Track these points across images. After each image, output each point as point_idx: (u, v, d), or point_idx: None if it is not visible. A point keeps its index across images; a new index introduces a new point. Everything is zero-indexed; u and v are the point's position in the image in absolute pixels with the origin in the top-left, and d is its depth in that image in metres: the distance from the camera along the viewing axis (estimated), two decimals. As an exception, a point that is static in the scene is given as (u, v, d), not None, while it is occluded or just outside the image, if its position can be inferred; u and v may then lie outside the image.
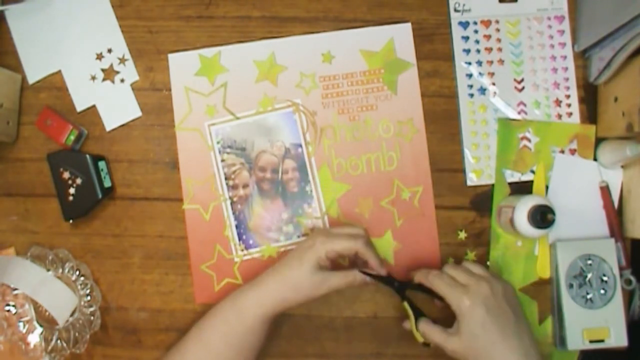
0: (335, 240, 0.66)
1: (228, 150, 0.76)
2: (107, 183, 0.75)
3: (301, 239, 0.75)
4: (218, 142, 0.76)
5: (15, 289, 0.72)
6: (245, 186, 0.76)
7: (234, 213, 0.75)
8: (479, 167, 0.75)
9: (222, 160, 0.76)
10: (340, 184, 0.75)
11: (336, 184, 0.75)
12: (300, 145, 0.76)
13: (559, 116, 0.76)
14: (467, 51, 0.77)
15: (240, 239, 0.75)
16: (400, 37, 0.76)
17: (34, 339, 0.72)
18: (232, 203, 0.75)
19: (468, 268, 0.67)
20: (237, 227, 0.75)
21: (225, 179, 0.76)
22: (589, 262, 0.71)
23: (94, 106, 0.77)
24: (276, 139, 0.76)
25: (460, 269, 0.67)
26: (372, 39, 0.76)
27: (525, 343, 0.62)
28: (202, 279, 0.75)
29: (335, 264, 0.71)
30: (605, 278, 0.71)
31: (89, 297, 0.73)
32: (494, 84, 0.76)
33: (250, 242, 0.75)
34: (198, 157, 0.76)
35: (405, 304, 0.69)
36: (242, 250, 0.75)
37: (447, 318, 0.66)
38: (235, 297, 0.67)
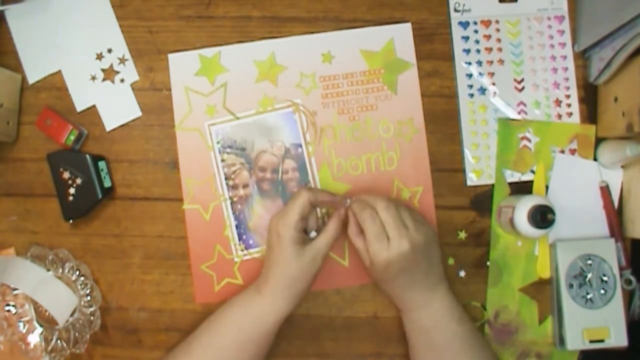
0: (288, 213, 0.66)
1: (228, 150, 0.76)
2: (107, 183, 0.75)
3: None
4: (218, 142, 0.76)
5: (15, 289, 0.72)
6: (245, 186, 0.76)
7: (234, 213, 0.75)
8: (479, 167, 0.75)
9: (222, 160, 0.76)
10: (341, 184, 0.75)
11: (336, 184, 0.75)
12: (300, 145, 0.76)
13: (559, 116, 0.76)
14: (467, 51, 0.77)
15: (240, 239, 0.75)
16: (400, 37, 0.76)
17: (34, 339, 0.72)
18: (232, 203, 0.75)
19: (400, 213, 0.65)
20: (237, 227, 0.75)
21: (226, 179, 0.76)
22: (589, 262, 0.71)
23: (94, 106, 0.77)
24: (276, 139, 0.76)
25: (392, 215, 0.64)
26: (372, 39, 0.76)
27: (431, 277, 0.67)
28: (202, 279, 0.75)
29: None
30: (605, 278, 0.71)
31: (89, 297, 0.73)
32: (494, 84, 0.76)
33: (251, 242, 0.75)
34: (198, 157, 0.76)
35: None
36: (242, 250, 0.75)
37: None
38: (246, 305, 0.67)
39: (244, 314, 0.67)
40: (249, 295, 0.68)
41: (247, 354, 0.66)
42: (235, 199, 0.75)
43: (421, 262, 0.66)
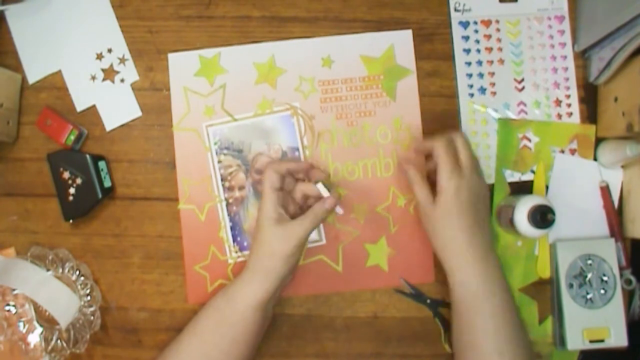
0: (264, 191, 0.67)
1: (225, 151, 0.76)
2: (107, 183, 0.75)
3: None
4: (215, 143, 0.76)
5: (15, 289, 0.72)
6: (241, 188, 0.76)
7: (229, 214, 0.75)
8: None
9: (219, 162, 0.76)
10: (336, 189, 0.75)
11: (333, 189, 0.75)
12: (298, 149, 0.76)
13: (559, 116, 0.76)
14: (467, 51, 0.77)
15: (234, 240, 0.75)
16: (400, 43, 0.76)
17: (34, 339, 0.72)
18: (227, 204, 0.75)
19: (471, 148, 0.69)
20: (232, 228, 0.75)
21: (222, 180, 0.76)
22: (589, 262, 0.71)
23: (94, 106, 0.77)
24: (273, 142, 0.76)
25: (467, 146, 0.68)
26: (372, 44, 0.76)
27: (486, 240, 0.67)
28: (195, 280, 0.75)
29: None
30: (605, 278, 0.71)
31: (89, 297, 0.73)
32: (494, 83, 0.76)
33: (245, 244, 0.75)
34: (195, 157, 0.76)
35: (437, 320, 0.74)
36: (237, 252, 0.75)
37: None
38: (226, 289, 0.68)
39: (222, 296, 0.67)
40: (232, 281, 0.69)
41: (223, 337, 0.66)
42: (230, 201, 0.75)
43: (482, 208, 0.68)
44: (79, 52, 0.77)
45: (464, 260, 0.66)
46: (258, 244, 0.67)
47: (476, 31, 0.77)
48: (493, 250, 0.68)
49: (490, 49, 0.77)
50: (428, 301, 0.74)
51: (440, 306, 0.74)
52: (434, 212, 0.67)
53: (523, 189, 0.75)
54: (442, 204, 0.66)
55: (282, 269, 0.66)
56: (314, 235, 0.75)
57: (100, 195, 0.73)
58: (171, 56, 0.77)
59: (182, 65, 0.76)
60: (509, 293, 0.67)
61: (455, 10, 0.77)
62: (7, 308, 0.73)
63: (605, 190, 0.74)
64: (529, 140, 0.76)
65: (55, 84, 0.77)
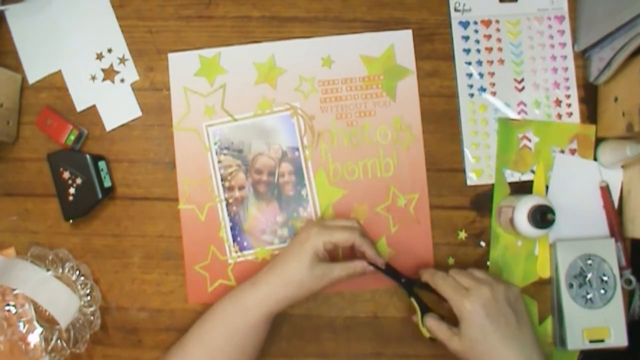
0: (331, 232, 0.66)
1: (225, 151, 0.76)
2: (107, 183, 0.75)
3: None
4: (215, 143, 0.76)
5: (15, 289, 0.72)
6: (241, 188, 0.76)
7: (229, 214, 0.75)
8: (479, 167, 0.75)
9: (219, 162, 0.76)
10: (336, 188, 0.75)
11: (332, 189, 0.75)
12: (298, 149, 0.76)
13: (559, 116, 0.76)
14: (467, 51, 0.77)
15: (234, 240, 0.75)
16: (400, 43, 0.76)
17: (34, 339, 0.72)
18: (227, 204, 0.75)
19: (472, 273, 0.68)
20: (232, 228, 0.75)
21: (222, 180, 0.76)
22: (589, 262, 0.71)
23: (94, 106, 0.77)
24: (273, 142, 0.76)
25: (464, 274, 0.67)
26: (372, 44, 0.76)
27: (526, 348, 0.62)
28: (195, 280, 0.75)
29: (332, 255, 0.71)
30: (605, 278, 0.71)
31: (89, 297, 0.73)
32: (494, 84, 0.76)
33: (245, 244, 0.75)
34: (195, 157, 0.76)
35: (412, 300, 0.70)
36: (237, 252, 0.75)
37: (454, 315, 0.66)
38: (236, 297, 0.67)
39: (233, 305, 0.67)
40: (242, 287, 0.68)
41: (234, 346, 0.66)
42: (230, 201, 0.75)
43: (509, 313, 0.63)
44: (79, 52, 0.77)
45: None
46: (288, 268, 0.66)
47: (476, 31, 0.77)
48: (538, 354, 0.63)
49: (490, 49, 0.77)
50: (403, 280, 0.71)
51: (415, 287, 0.70)
52: (463, 346, 0.63)
53: (523, 189, 0.75)
54: (466, 334, 0.63)
55: (301, 297, 0.66)
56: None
57: (100, 195, 0.73)
58: (171, 56, 0.77)
59: (182, 65, 0.76)
60: None
61: (455, 10, 0.77)
62: (7, 308, 0.73)
63: (605, 190, 0.74)
64: (529, 140, 0.76)
65: (55, 84, 0.77)
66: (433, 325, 0.67)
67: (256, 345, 0.67)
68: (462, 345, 0.63)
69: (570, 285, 0.71)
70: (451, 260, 0.75)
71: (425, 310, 0.69)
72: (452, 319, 0.66)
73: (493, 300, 0.63)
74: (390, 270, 0.70)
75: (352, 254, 0.72)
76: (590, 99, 0.76)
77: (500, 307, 0.63)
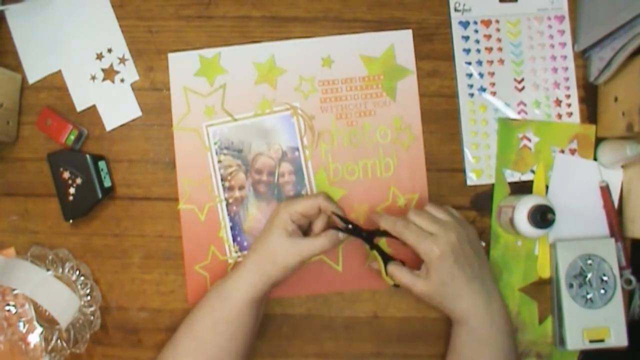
0: (296, 201, 0.68)
1: (225, 151, 0.76)
2: (107, 183, 0.75)
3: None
4: (215, 143, 0.76)
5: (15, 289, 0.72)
6: (241, 188, 0.76)
7: (229, 214, 0.75)
8: (479, 167, 0.75)
9: (219, 162, 0.76)
10: (336, 188, 0.75)
11: (332, 189, 0.75)
12: (298, 149, 0.76)
13: (559, 116, 0.76)
14: (467, 51, 0.77)
15: (234, 240, 0.75)
16: (400, 43, 0.76)
17: (34, 339, 0.72)
18: (227, 204, 0.75)
19: (432, 214, 0.68)
20: (232, 228, 0.75)
21: (222, 180, 0.76)
22: (589, 262, 0.71)
23: (94, 106, 0.77)
24: (273, 142, 0.76)
25: (426, 216, 0.67)
26: (372, 44, 0.76)
27: (487, 285, 0.67)
28: (195, 280, 0.75)
29: (305, 232, 0.71)
30: (605, 278, 0.71)
31: (89, 297, 0.73)
32: (494, 83, 0.76)
33: (245, 244, 0.75)
34: (195, 157, 0.76)
35: (374, 252, 0.70)
36: (237, 252, 0.75)
37: (414, 260, 0.68)
38: (218, 285, 0.68)
39: (216, 293, 0.67)
40: (225, 277, 0.68)
41: (221, 335, 0.66)
42: (230, 201, 0.75)
43: (472, 255, 0.66)
44: (79, 52, 0.77)
45: (470, 307, 0.66)
46: (261, 247, 0.67)
47: (476, 31, 0.77)
48: (495, 290, 0.68)
49: (490, 49, 0.77)
50: (364, 234, 0.70)
51: (377, 236, 0.70)
52: (428, 290, 0.65)
53: (523, 189, 0.75)
54: (432, 278, 0.65)
55: (278, 276, 0.66)
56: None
57: (100, 195, 0.73)
58: (171, 56, 0.77)
59: (182, 65, 0.76)
60: (511, 336, 0.68)
61: (455, 10, 0.77)
62: (7, 308, 0.73)
63: (605, 190, 0.74)
64: (529, 140, 0.76)
65: (55, 84, 0.77)
66: (396, 272, 0.67)
67: (245, 332, 0.67)
68: (427, 287, 0.65)
69: (570, 285, 0.71)
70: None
71: (387, 259, 0.70)
72: (412, 264, 0.68)
73: (458, 243, 0.65)
74: (353, 228, 0.70)
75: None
76: (590, 99, 0.76)
77: (465, 250, 0.66)
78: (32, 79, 0.77)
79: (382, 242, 0.75)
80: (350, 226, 0.70)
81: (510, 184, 0.75)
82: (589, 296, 0.71)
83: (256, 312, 0.67)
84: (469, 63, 0.77)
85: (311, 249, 0.66)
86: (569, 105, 0.76)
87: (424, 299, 0.67)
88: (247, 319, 0.66)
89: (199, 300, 0.74)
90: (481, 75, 0.76)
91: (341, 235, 0.68)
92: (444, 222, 0.67)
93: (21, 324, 0.73)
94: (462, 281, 0.65)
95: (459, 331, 0.68)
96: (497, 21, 0.77)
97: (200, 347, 0.66)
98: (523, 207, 0.68)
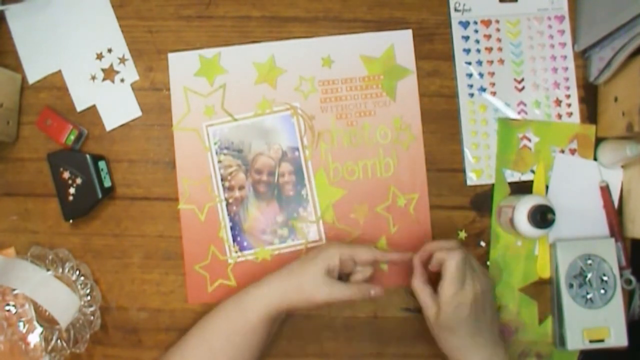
0: (349, 247, 0.67)
1: (225, 151, 0.76)
2: (107, 183, 0.75)
3: (295, 242, 0.75)
4: (215, 143, 0.76)
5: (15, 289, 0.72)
6: (241, 188, 0.76)
7: (229, 214, 0.75)
8: (479, 167, 0.75)
9: (219, 162, 0.76)
10: (336, 188, 0.75)
11: (332, 189, 0.75)
12: (298, 149, 0.76)
13: (559, 116, 0.76)
14: (467, 51, 0.77)
15: (234, 240, 0.75)
16: (400, 43, 0.76)
17: (34, 338, 0.72)
18: (227, 204, 0.75)
19: (469, 260, 0.66)
20: (232, 228, 0.75)
21: (222, 180, 0.76)
22: (589, 262, 0.71)
23: (94, 106, 0.77)
24: (273, 142, 0.76)
25: (465, 260, 0.65)
26: (372, 44, 0.76)
27: (494, 337, 0.66)
28: (195, 280, 0.75)
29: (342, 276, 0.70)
30: (605, 278, 0.71)
31: (89, 297, 0.73)
32: (494, 83, 0.76)
33: (245, 244, 0.75)
34: (195, 157, 0.76)
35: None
36: (237, 252, 0.75)
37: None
38: (238, 297, 0.67)
39: (234, 304, 0.67)
40: (245, 289, 0.68)
41: (232, 345, 0.66)
42: (230, 201, 0.75)
43: (487, 310, 0.65)
44: (79, 52, 0.77)
45: (473, 356, 0.65)
46: (295, 272, 0.66)
47: (476, 31, 0.77)
48: (500, 345, 0.66)
49: (490, 49, 0.77)
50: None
51: None
52: (436, 323, 0.65)
53: (523, 189, 0.75)
54: (443, 319, 0.64)
55: (299, 305, 0.66)
56: (314, 236, 0.75)
57: (100, 195, 0.73)
58: (171, 56, 0.77)
59: (182, 65, 0.76)
60: None
61: (455, 10, 0.77)
62: (7, 308, 0.73)
63: (605, 190, 0.74)
64: (529, 140, 0.76)
65: (55, 84, 0.77)
66: (419, 286, 0.66)
67: (257, 346, 0.67)
68: (438, 320, 0.64)
69: (570, 285, 0.71)
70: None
71: None
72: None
73: (481, 298, 0.64)
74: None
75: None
76: (590, 99, 0.76)
77: (482, 304, 0.65)
78: (32, 79, 0.77)
79: (382, 241, 0.75)
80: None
81: (510, 184, 0.75)
82: (589, 296, 0.71)
83: (269, 330, 0.67)
84: (469, 63, 0.77)
85: (342, 294, 0.65)
86: (569, 105, 0.76)
87: (431, 325, 0.66)
88: (260, 335, 0.66)
89: (199, 300, 0.74)
90: (481, 75, 0.76)
91: (373, 292, 0.67)
92: (475, 275, 0.65)
93: (21, 324, 0.73)
94: (469, 329, 0.64)
95: None
96: (497, 21, 0.77)
97: (210, 354, 0.66)
98: (523, 207, 0.68)
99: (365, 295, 0.67)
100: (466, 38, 0.77)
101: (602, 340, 0.70)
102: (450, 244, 0.66)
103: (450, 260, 0.64)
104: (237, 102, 0.76)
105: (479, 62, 0.76)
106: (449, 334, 0.65)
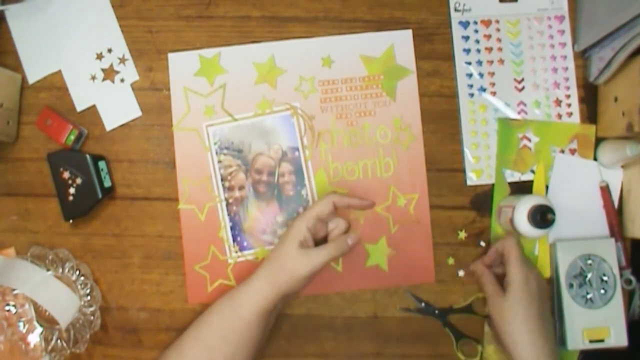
0: (308, 210, 0.67)
1: (225, 151, 0.76)
2: (107, 183, 0.75)
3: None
4: (215, 143, 0.76)
5: (15, 289, 0.72)
6: (241, 188, 0.76)
7: (229, 214, 0.75)
8: (479, 167, 0.75)
9: (219, 162, 0.76)
10: (336, 188, 0.75)
11: (332, 189, 0.75)
12: (298, 149, 0.76)
13: (559, 116, 0.76)
14: (467, 51, 0.77)
15: (234, 240, 0.75)
16: (400, 43, 0.76)
17: (34, 339, 0.72)
18: (227, 204, 0.75)
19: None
20: (232, 228, 0.75)
21: (222, 180, 0.76)
22: (589, 262, 0.71)
23: (94, 106, 0.77)
24: (273, 142, 0.76)
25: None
26: (372, 44, 0.76)
27: (547, 327, 0.67)
28: (195, 280, 0.75)
29: (318, 240, 0.71)
30: (605, 278, 0.71)
31: (89, 297, 0.73)
32: (494, 83, 0.76)
33: (245, 244, 0.75)
34: (195, 157, 0.76)
35: (447, 330, 0.73)
36: (236, 252, 0.75)
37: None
38: (231, 295, 0.68)
39: (228, 302, 0.67)
40: (237, 286, 0.68)
41: (228, 343, 0.66)
42: (230, 201, 0.75)
43: (547, 300, 0.69)
44: (79, 52, 0.77)
45: (534, 350, 0.65)
46: (274, 257, 0.67)
47: (476, 31, 0.77)
48: (555, 342, 0.68)
49: (490, 49, 0.77)
50: (436, 312, 0.73)
51: (449, 314, 0.73)
52: (504, 303, 0.67)
53: (523, 189, 0.75)
54: (513, 292, 0.67)
55: (291, 286, 0.66)
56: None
57: (100, 195, 0.73)
58: (171, 56, 0.77)
59: (182, 65, 0.76)
60: None
61: (455, 10, 0.77)
62: (7, 308, 0.73)
63: (605, 190, 0.74)
64: (529, 140, 0.76)
65: (55, 84, 0.77)
66: (485, 275, 0.71)
67: (253, 343, 0.67)
68: (506, 303, 0.67)
69: (570, 285, 0.71)
70: (451, 261, 0.75)
71: (459, 336, 0.72)
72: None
73: (544, 284, 0.70)
74: (425, 307, 0.74)
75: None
76: (590, 99, 0.76)
77: (545, 291, 0.69)
78: (32, 79, 0.77)
79: (382, 241, 0.75)
80: (422, 304, 0.73)
81: (510, 184, 0.75)
82: (589, 296, 0.71)
83: (265, 324, 0.67)
84: (469, 63, 0.77)
85: (321, 257, 0.66)
86: (569, 105, 0.76)
87: (492, 317, 0.69)
88: (255, 330, 0.66)
89: (199, 300, 0.74)
90: (481, 75, 0.76)
91: (350, 240, 0.68)
92: (535, 266, 0.71)
93: (21, 324, 0.73)
94: (535, 313, 0.66)
95: None
96: (497, 21, 0.77)
97: (207, 353, 0.66)
98: (523, 207, 0.68)
99: (343, 248, 0.67)
100: (466, 38, 0.77)
101: (602, 340, 0.70)
102: (504, 238, 0.71)
103: (510, 242, 0.69)
104: (237, 102, 0.76)
105: (479, 62, 0.76)
106: (519, 308, 0.66)
